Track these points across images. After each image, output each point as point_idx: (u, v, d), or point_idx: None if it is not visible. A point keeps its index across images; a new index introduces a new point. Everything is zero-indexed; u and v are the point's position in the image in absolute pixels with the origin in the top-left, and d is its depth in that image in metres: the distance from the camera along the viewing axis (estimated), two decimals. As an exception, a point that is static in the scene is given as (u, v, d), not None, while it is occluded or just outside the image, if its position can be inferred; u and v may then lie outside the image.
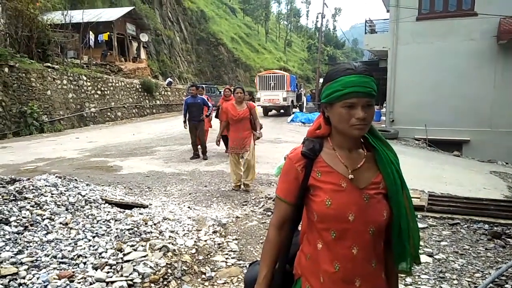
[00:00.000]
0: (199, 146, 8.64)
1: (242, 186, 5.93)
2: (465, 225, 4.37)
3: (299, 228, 1.37)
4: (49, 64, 15.34)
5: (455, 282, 3.08)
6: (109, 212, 3.89)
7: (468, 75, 13.14)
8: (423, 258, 3.49)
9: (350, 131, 1.15)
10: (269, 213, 4.69)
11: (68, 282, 2.58)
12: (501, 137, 12.77)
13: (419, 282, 3.06)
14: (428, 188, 6.08)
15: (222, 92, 8.97)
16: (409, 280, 3.08)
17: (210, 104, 8.65)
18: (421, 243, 3.82)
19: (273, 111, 21.98)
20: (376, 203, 1.18)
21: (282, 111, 21.24)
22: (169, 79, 28.64)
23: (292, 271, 1.33)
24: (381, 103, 19.48)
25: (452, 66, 13.32)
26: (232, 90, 6.10)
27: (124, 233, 3.40)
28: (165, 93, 25.02)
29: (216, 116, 8.43)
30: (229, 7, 64.43)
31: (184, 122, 8.59)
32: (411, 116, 14.08)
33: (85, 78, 17.16)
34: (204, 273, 3.14)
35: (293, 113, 20.09)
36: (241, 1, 70.23)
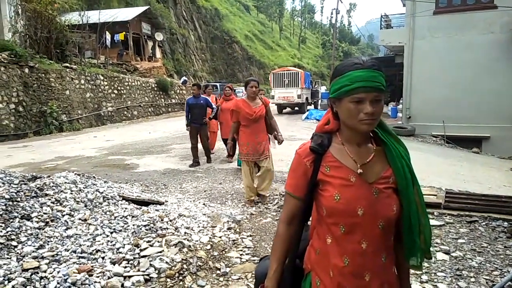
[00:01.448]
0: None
1: (256, 198, 5.13)
2: (483, 223, 4.28)
3: (309, 223, 1.38)
4: (67, 64, 15.68)
5: (472, 279, 3.03)
6: (126, 208, 3.97)
7: (488, 69, 12.79)
8: (440, 255, 3.44)
9: (358, 126, 1.15)
10: (283, 210, 4.69)
11: (87, 276, 2.66)
12: (523, 133, 12.42)
13: (436, 280, 3.03)
14: (446, 185, 5.99)
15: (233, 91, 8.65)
16: (425, 277, 3.05)
17: (214, 106, 7.87)
18: (438, 240, 3.77)
19: (288, 109, 21.92)
20: (385, 197, 1.18)
21: (296, 108, 21.15)
22: (184, 77, 28.85)
23: (302, 265, 1.34)
24: (397, 99, 19.19)
25: (471, 60, 13.00)
26: (244, 83, 5.07)
27: (140, 229, 3.47)
28: (180, 91, 25.22)
29: (215, 117, 7.85)
30: (242, 5, 64.32)
31: (187, 125, 7.68)
32: (428, 112, 13.81)
33: (102, 78, 17.47)
34: (219, 269, 3.18)
35: (308, 110, 19.99)
36: (255, -1, 70.06)
